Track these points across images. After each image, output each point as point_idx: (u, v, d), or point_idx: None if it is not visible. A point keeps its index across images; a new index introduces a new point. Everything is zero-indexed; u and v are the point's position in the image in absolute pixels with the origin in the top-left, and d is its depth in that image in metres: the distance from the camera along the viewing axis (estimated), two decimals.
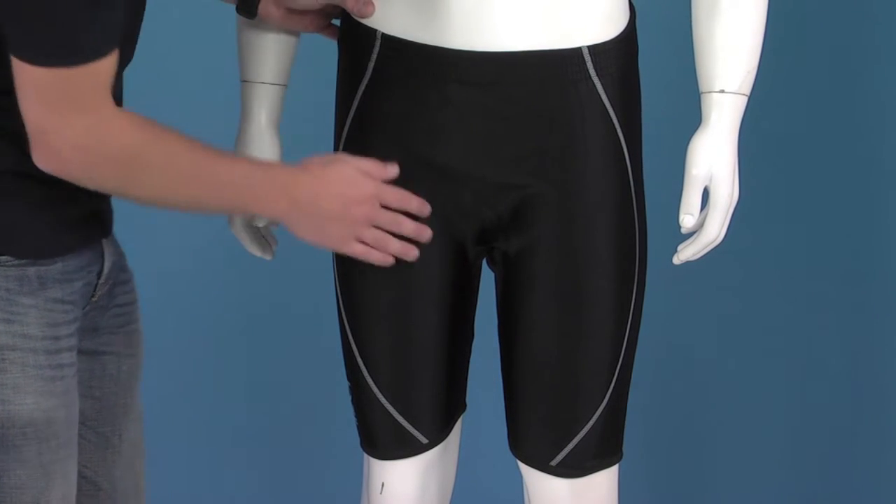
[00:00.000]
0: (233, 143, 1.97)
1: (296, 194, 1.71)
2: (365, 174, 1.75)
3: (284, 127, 1.97)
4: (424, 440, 1.92)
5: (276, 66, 1.94)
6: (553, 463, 1.88)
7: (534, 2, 1.75)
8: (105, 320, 1.73)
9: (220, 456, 3.01)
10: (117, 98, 1.61)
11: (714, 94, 1.80)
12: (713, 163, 1.79)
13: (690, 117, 1.84)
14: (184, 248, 2.86)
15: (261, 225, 1.95)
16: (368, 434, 1.93)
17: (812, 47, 2.82)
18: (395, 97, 1.81)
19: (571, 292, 1.83)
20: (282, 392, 2.97)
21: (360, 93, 1.84)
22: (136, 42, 1.66)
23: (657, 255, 1.91)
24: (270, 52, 1.94)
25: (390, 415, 1.90)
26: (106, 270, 1.70)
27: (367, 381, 1.90)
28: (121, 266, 1.75)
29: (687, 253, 1.83)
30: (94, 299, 1.69)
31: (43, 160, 1.55)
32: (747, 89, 1.81)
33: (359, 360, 1.90)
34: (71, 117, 1.52)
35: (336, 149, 1.89)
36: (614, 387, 1.87)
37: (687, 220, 1.81)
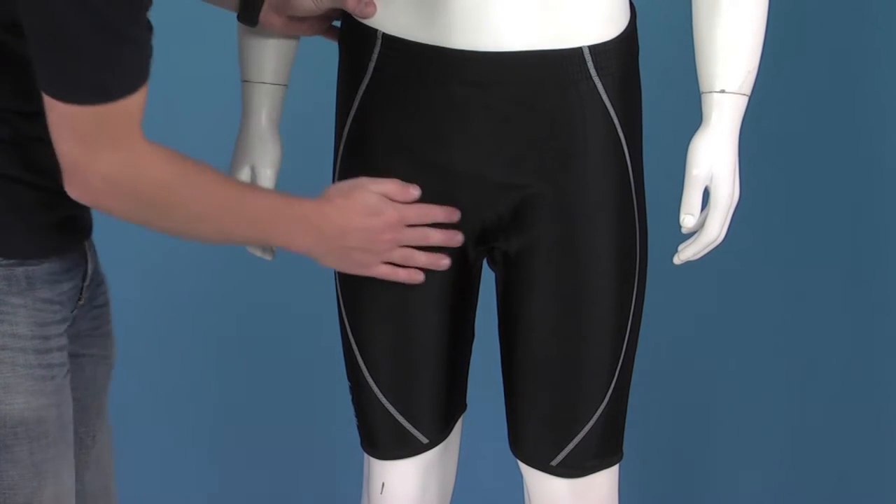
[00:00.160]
0: (233, 142, 1.98)
1: (322, 228, 1.75)
2: (387, 200, 1.77)
3: (284, 127, 1.97)
4: (425, 440, 1.92)
5: (277, 66, 1.95)
6: (553, 463, 1.88)
7: (534, 2, 1.75)
8: (84, 323, 1.73)
9: (220, 456, 3.01)
10: None
11: (714, 94, 1.80)
12: (714, 163, 1.79)
13: (691, 117, 1.84)
14: (184, 247, 2.85)
15: None
16: (369, 434, 1.93)
17: (812, 47, 2.82)
18: (395, 97, 1.81)
19: (572, 292, 1.83)
20: (282, 392, 2.97)
21: (360, 93, 1.84)
22: None
23: (657, 255, 1.91)
24: (271, 52, 1.94)
25: (391, 415, 1.90)
26: (90, 272, 1.71)
27: (367, 381, 1.90)
28: (98, 269, 1.76)
29: (687, 253, 1.83)
30: (80, 302, 1.70)
31: (75, 192, 1.57)
32: (748, 89, 1.81)
33: (359, 359, 1.90)
34: (103, 152, 1.54)
35: (336, 149, 1.89)
36: (615, 387, 1.87)
37: (687, 220, 1.81)
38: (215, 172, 1.66)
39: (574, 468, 1.89)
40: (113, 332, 1.80)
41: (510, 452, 1.93)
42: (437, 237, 1.82)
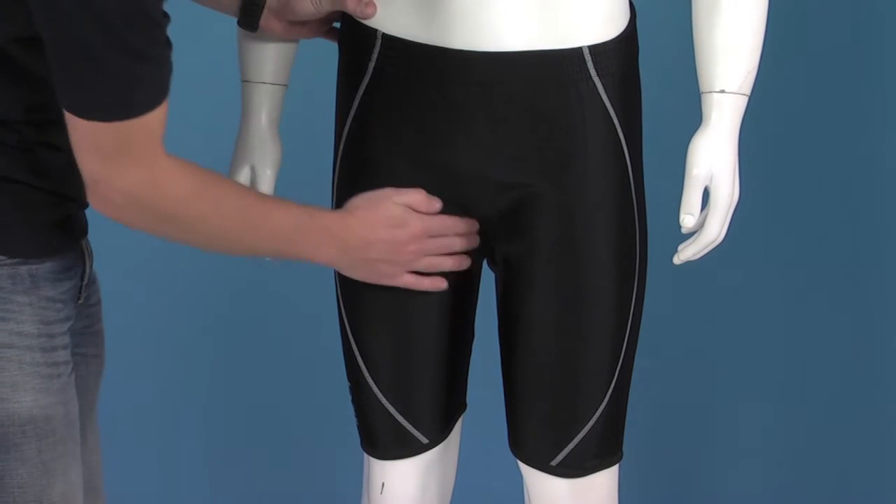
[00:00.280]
0: (233, 142, 1.98)
1: (346, 240, 1.76)
2: (411, 211, 1.78)
3: (284, 127, 1.97)
4: (425, 440, 1.92)
5: (277, 66, 1.95)
6: (553, 463, 1.88)
7: (534, 2, 1.75)
8: (79, 321, 1.74)
9: (220, 456, 3.01)
10: None
11: (714, 94, 1.80)
12: (714, 163, 1.79)
13: (691, 117, 1.84)
14: (181, 246, 2.85)
15: None
16: (369, 434, 1.93)
17: (812, 47, 2.82)
18: (395, 97, 1.81)
19: (572, 292, 1.83)
20: (281, 392, 2.97)
21: (360, 93, 1.84)
22: None
23: (657, 255, 1.90)
24: (271, 53, 1.94)
25: (391, 415, 1.90)
26: (88, 271, 1.71)
27: (367, 381, 1.90)
28: (92, 267, 1.77)
29: (687, 253, 1.83)
30: (80, 300, 1.70)
31: (98, 206, 1.59)
32: (748, 89, 1.80)
33: (359, 359, 1.90)
34: (124, 168, 1.55)
35: (336, 149, 1.89)
36: (614, 387, 1.87)
37: (687, 220, 1.81)
38: (237, 186, 1.68)
39: (574, 468, 1.89)
40: (103, 330, 1.80)
41: (510, 452, 1.93)
42: (459, 245, 1.84)
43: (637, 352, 1.91)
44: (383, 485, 1.94)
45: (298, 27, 1.90)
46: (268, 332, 2.97)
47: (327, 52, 1.94)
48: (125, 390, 2.76)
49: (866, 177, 2.86)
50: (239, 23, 1.91)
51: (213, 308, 2.95)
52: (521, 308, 1.86)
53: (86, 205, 1.69)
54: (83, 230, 1.71)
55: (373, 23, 1.81)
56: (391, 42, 1.80)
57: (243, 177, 1.95)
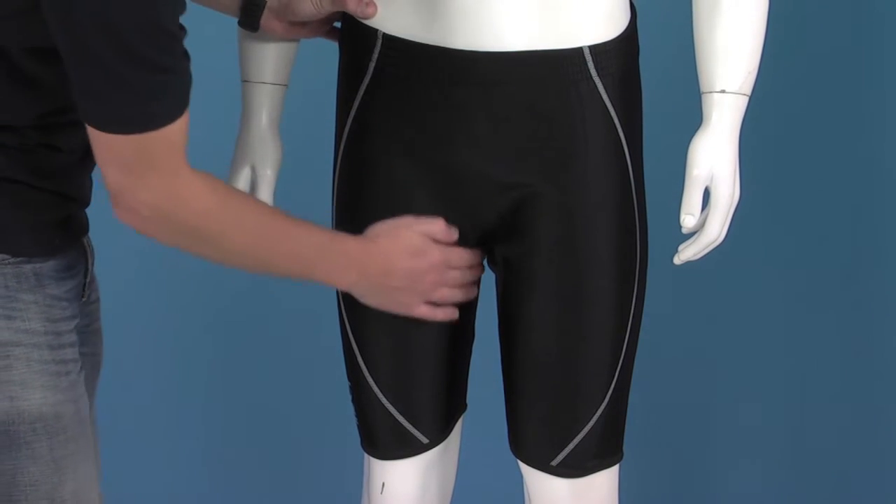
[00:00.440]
0: (233, 142, 1.98)
1: (366, 267, 1.77)
2: (431, 241, 1.79)
3: (284, 127, 1.97)
4: (425, 440, 1.92)
5: (277, 66, 1.95)
6: (553, 463, 1.88)
7: (535, 2, 1.75)
8: (80, 319, 1.74)
9: (220, 455, 3.01)
10: None
11: (715, 95, 1.80)
12: (714, 163, 1.79)
13: (691, 117, 1.84)
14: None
15: None
16: (369, 434, 1.93)
17: (812, 47, 2.82)
18: (395, 97, 1.81)
19: (572, 292, 1.83)
20: (281, 392, 2.97)
21: (360, 93, 1.84)
22: None
23: (657, 255, 1.90)
24: (271, 53, 1.94)
25: (391, 415, 1.90)
26: (90, 269, 1.72)
27: (367, 381, 1.90)
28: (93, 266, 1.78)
29: (688, 253, 1.83)
30: (83, 299, 1.70)
31: (122, 217, 1.60)
32: (748, 89, 1.80)
33: (359, 359, 1.90)
34: (148, 179, 1.56)
35: (336, 149, 1.89)
36: (615, 387, 1.87)
37: (688, 220, 1.81)
38: (260, 204, 1.69)
39: (574, 468, 1.89)
40: (101, 329, 1.80)
41: (510, 452, 1.93)
42: (471, 278, 1.85)
43: (637, 352, 1.91)
44: (383, 485, 1.94)
45: (299, 27, 1.90)
46: (268, 332, 2.97)
47: (327, 52, 1.94)
48: (125, 390, 2.77)
49: (866, 177, 2.86)
50: (239, 23, 1.91)
51: (213, 307, 2.95)
52: (521, 308, 1.86)
53: (86, 204, 1.69)
54: (84, 228, 1.71)
55: (373, 23, 1.81)
56: (392, 42, 1.80)
57: (243, 177, 1.95)
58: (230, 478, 3.01)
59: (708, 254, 1.84)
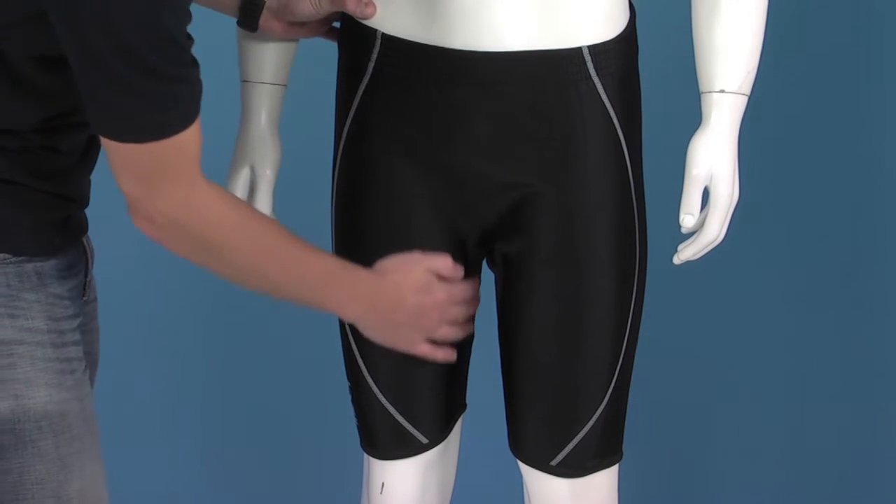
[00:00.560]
0: (233, 142, 1.98)
1: (375, 300, 1.77)
2: (436, 278, 1.80)
3: (284, 127, 1.97)
4: (424, 440, 1.92)
5: (276, 66, 1.95)
6: (553, 463, 1.88)
7: (534, 2, 1.75)
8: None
9: (219, 456, 3.01)
10: None
11: (714, 94, 1.80)
12: (713, 163, 1.79)
13: (690, 117, 1.84)
14: None
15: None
16: (368, 434, 1.93)
17: (812, 47, 2.82)
18: (395, 97, 1.81)
19: (571, 292, 1.83)
20: (281, 392, 2.97)
21: (360, 93, 1.84)
22: None
23: (657, 255, 1.90)
24: (270, 53, 1.94)
25: (390, 415, 1.90)
26: (91, 268, 1.72)
27: (367, 381, 1.90)
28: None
29: (687, 253, 1.83)
30: (84, 297, 1.71)
31: (140, 226, 1.61)
32: (747, 89, 1.81)
33: (359, 359, 1.90)
34: (163, 188, 1.57)
35: (336, 149, 1.89)
36: (614, 386, 1.87)
37: (687, 219, 1.81)
38: (275, 224, 1.69)
39: (574, 468, 1.89)
40: (98, 328, 1.81)
41: (510, 452, 1.93)
42: (470, 313, 1.86)
43: (637, 352, 1.91)
44: (383, 485, 1.94)
45: (298, 27, 1.90)
46: (267, 332, 2.96)
47: (327, 52, 1.94)
48: (124, 389, 2.77)
49: (866, 177, 2.86)
50: (238, 23, 1.91)
51: (212, 307, 2.95)
52: (520, 308, 1.86)
53: (85, 204, 1.70)
54: (83, 228, 1.71)
55: (372, 23, 1.81)
56: (391, 42, 1.80)
57: (243, 177, 1.95)
58: (230, 478, 3.01)
59: (707, 253, 1.84)
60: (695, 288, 2.81)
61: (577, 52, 1.78)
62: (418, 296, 1.79)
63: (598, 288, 1.83)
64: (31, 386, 1.60)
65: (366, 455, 1.96)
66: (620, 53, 1.81)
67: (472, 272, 1.90)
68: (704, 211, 1.81)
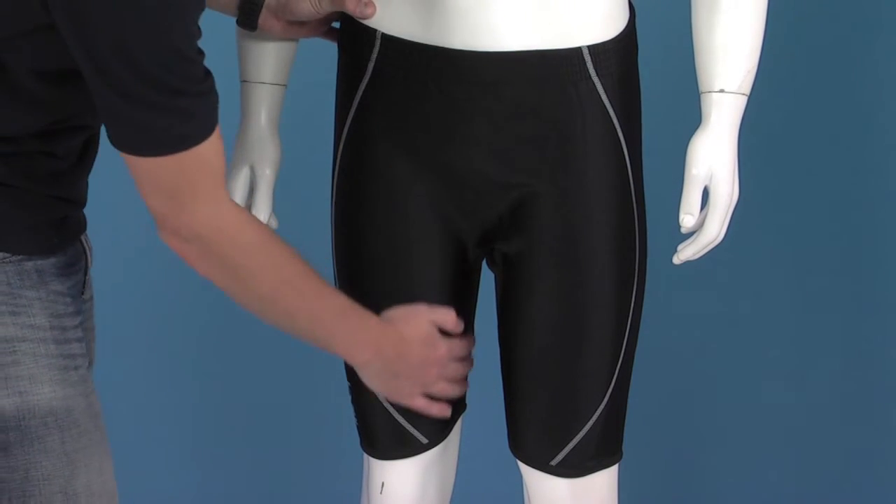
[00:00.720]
0: (232, 142, 1.98)
1: (383, 348, 1.76)
2: (438, 332, 1.80)
3: (284, 127, 1.97)
4: (424, 440, 1.92)
5: (276, 66, 1.94)
6: (553, 463, 1.88)
7: (533, 2, 1.75)
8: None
9: (220, 455, 3.01)
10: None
11: (714, 94, 1.80)
12: (713, 162, 1.79)
13: (690, 117, 1.84)
14: None
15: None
16: (368, 434, 1.93)
17: (812, 47, 2.82)
18: (395, 97, 1.81)
19: (571, 292, 1.83)
20: (281, 391, 2.97)
21: (359, 92, 1.84)
22: None
23: (657, 255, 1.90)
24: (270, 53, 1.94)
25: (390, 415, 1.90)
26: (90, 266, 1.72)
27: None
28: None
29: (687, 253, 1.83)
30: (83, 296, 1.71)
31: (166, 240, 1.61)
32: (747, 89, 1.81)
33: None
34: (189, 204, 1.57)
35: (336, 149, 1.89)
36: (614, 386, 1.87)
37: (687, 219, 1.81)
38: (298, 258, 1.67)
39: (574, 468, 1.89)
40: (94, 327, 1.81)
41: (510, 452, 1.93)
42: (466, 370, 1.86)
43: (637, 352, 1.91)
44: (383, 485, 1.94)
45: (297, 27, 1.90)
46: (267, 331, 2.94)
47: (327, 52, 1.94)
48: (123, 389, 2.76)
49: (866, 177, 2.86)
50: (238, 22, 1.91)
51: (211, 306, 2.94)
52: (520, 308, 1.86)
53: (83, 205, 1.70)
54: (82, 227, 1.71)
55: (372, 23, 1.81)
56: (390, 42, 1.80)
57: (242, 177, 1.95)
58: (228, 478, 3.01)
59: (707, 253, 1.84)
60: (695, 288, 2.81)
61: (576, 52, 1.78)
62: (423, 348, 1.79)
63: (597, 288, 1.83)
64: (36, 382, 1.60)
65: (365, 455, 1.96)
66: (620, 53, 1.81)
67: (471, 272, 1.90)
68: (704, 211, 1.81)
